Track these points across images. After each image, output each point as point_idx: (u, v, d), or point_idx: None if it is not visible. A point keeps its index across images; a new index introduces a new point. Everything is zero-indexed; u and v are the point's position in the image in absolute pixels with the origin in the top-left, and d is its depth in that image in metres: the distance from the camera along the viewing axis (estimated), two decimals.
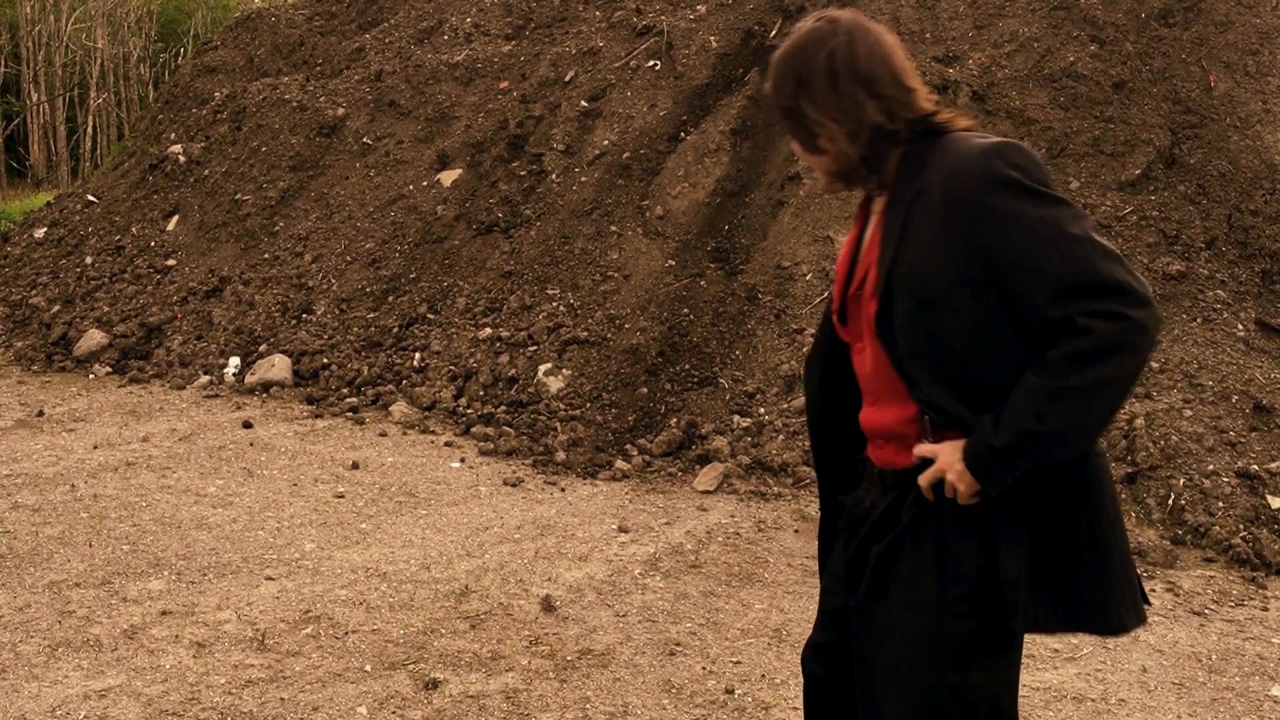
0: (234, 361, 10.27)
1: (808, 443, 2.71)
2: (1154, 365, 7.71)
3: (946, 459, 2.37)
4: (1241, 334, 7.99)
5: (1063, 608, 2.35)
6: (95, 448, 8.19)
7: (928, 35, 10.44)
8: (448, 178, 11.43)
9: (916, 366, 2.41)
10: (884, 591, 2.51)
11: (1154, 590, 5.84)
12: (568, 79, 11.78)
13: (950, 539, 2.42)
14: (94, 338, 10.96)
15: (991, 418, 2.31)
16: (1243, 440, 7.02)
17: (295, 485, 7.39)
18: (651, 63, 11.49)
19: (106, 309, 11.50)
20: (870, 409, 2.62)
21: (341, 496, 7.16)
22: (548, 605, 5.45)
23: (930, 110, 2.47)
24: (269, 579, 5.77)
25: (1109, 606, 2.37)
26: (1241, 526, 6.40)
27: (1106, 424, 2.30)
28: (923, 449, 2.44)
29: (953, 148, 2.39)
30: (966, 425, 2.37)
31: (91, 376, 10.54)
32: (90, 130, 33.38)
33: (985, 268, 2.32)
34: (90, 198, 13.87)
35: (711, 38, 11.52)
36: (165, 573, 5.83)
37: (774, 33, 11.43)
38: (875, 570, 2.52)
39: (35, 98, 32.05)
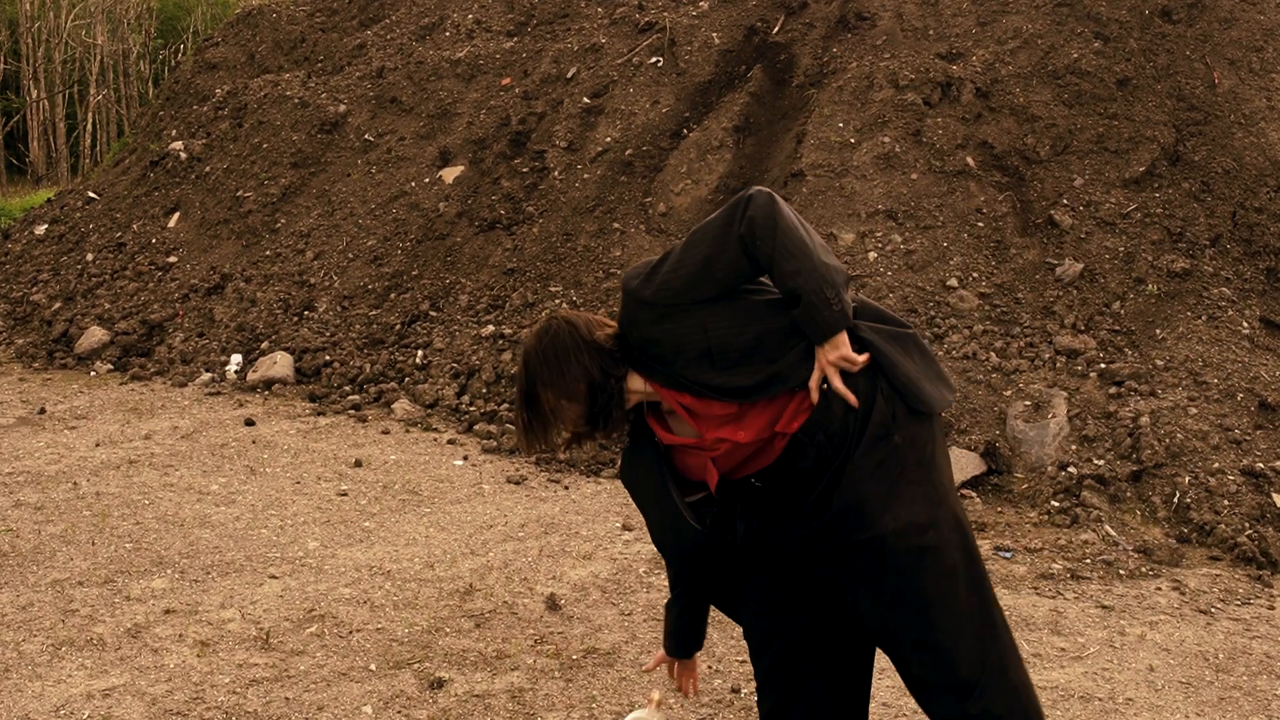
0: (236, 359, 10.26)
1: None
2: (1159, 363, 7.70)
3: (816, 361, 2.78)
4: (1246, 331, 7.97)
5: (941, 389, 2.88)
6: (97, 445, 8.17)
7: (931, 32, 10.42)
8: (450, 174, 11.41)
9: (739, 375, 2.80)
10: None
11: (1160, 589, 5.83)
12: (570, 75, 11.76)
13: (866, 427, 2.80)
14: (95, 335, 10.95)
15: (787, 313, 2.79)
16: (1248, 438, 7.01)
17: (298, 483, 7.37)
18: (654, 59, 11.47)
19: (108, 306, 11.49)
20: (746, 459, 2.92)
21: (344, 494, 7.15)
22: (552, 604, 5.43)
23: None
24: (273, 577, 5.76)
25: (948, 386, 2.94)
26: (1247, 525, 6.38)
27: (805, 240, 2.75)
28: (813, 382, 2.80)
29: None
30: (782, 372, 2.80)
31: (93, 374, 10.53)
32: (90, 127, 33.35)
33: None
34: (91, 194, 13.85)
35: (714, 34, 11.50)
36: (169, 571, 5.81)
37: (776, 29, 11.40)
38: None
39: (35, 94, 32.02)
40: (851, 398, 2.75)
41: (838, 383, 2.75)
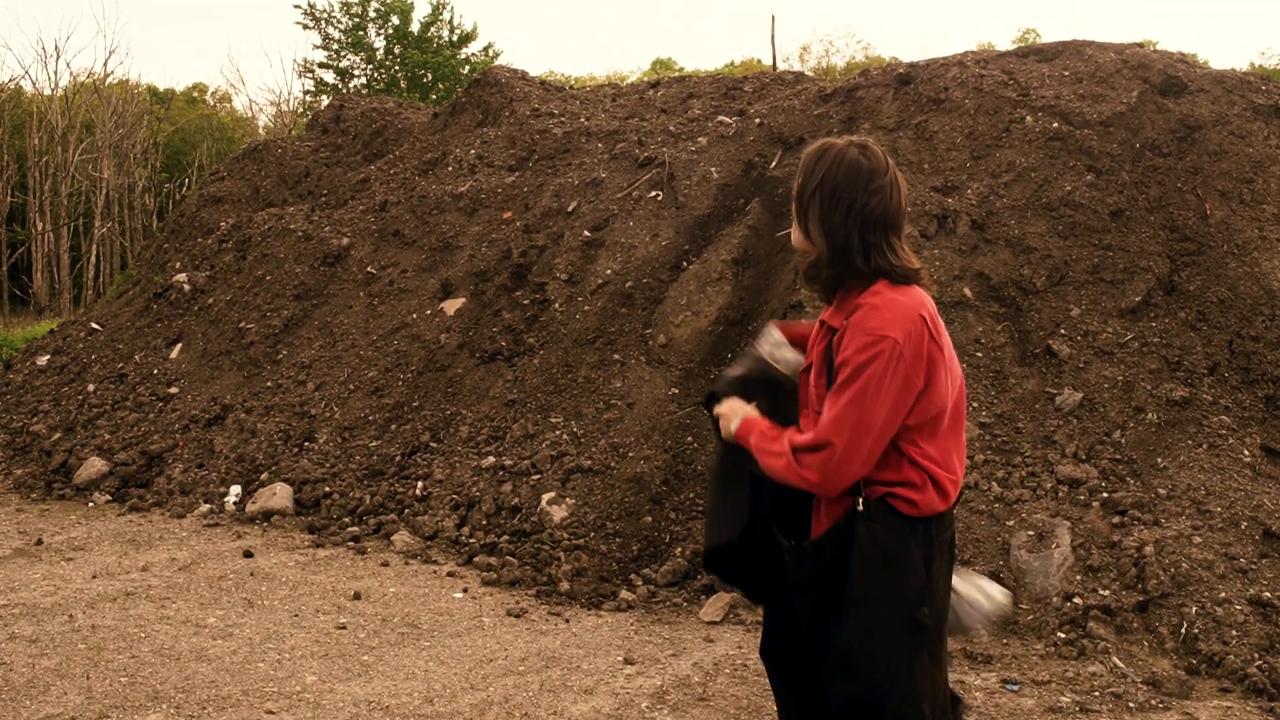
0: (235, 490, 10.22)
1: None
2: (1161, 491, 7.69)
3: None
4: (1248, 459, 7.97)
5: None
6: (94, 577, 8.10)
7: (926, 166, 10.59)
8: (451, 306, 11.50)
9: None
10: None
11: None
12: (570, 209, 11.92)
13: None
14: (94, 465, 10.92)
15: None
16: (1254, 567, 6.97)
17: (296, 616, 7.30)
18: (653, 193, 11.64)
19: (108, 436, 11.48)
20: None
21: (343, 628, 7.07)
22: None
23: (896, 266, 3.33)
24: (269, 713, 5.67)
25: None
26: (1257, 655, 6.31)
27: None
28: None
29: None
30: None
31: (91, 504, 10.48)
32: (94, 259, 33.70)
33: None
34: (94, 325, 13.94)
35: (713, 169, 11.69)
36: (164, 706, 5.72)
37: (774, 163, 11.60)
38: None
39: (40, 226, 32.40)
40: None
41: None
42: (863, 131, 11.24)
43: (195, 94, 46.99)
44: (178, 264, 14.37)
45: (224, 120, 43.12)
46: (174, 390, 12.08)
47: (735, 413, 3.54)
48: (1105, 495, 7.70)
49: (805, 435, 3.29)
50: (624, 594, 7.77)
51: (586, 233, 11.48)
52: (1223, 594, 6.71)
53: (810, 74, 20.76)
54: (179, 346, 12.75)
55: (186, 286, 13.47)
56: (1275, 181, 9.77)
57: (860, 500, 3.27)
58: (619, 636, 7.01)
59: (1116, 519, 7.47)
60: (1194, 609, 6.65)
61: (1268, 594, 6.70)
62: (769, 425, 3.43)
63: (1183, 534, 7.20)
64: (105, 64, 66.11)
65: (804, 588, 3.36)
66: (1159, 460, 8.03)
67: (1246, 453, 8.03)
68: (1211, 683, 6.25)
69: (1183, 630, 6.57)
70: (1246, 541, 7.19)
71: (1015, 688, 6.15)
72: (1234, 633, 6.46)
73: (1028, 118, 10.56)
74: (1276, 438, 8.23)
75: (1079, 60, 11.34)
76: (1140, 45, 11.83)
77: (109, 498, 10.61)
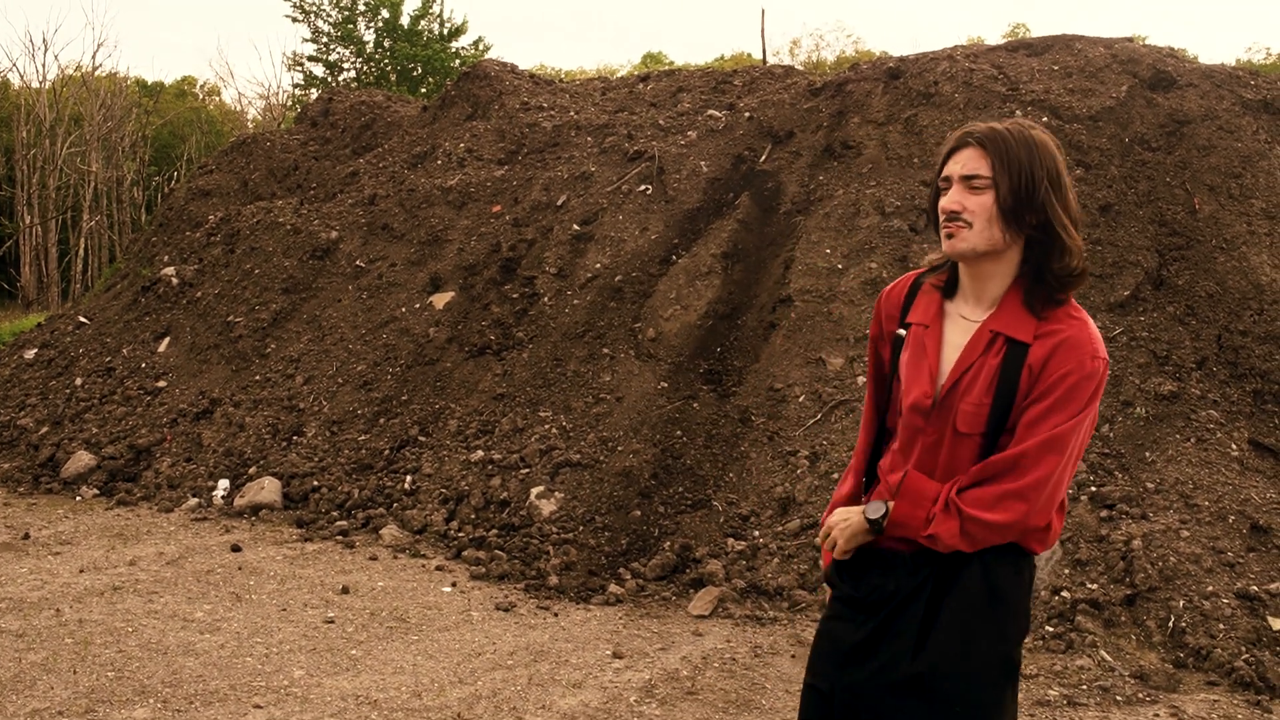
0: (223, 484, 10.20)
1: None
2: (1149, 486, 7.70)
3: None
4: (1236, 454, 7.98)
5: None
6: (81, 571, 8.08)
7: (916, 160, 10.60)
8: (440, 300, 11.48)
9: None
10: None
11: (1158, 715, 5.75)
12: (560, 203, 11.91)
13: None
14: (82, 459, 10.89)
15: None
16: (1241, 561, 6.98)
17: (284, 610, 7.28)
18: (643, 187, 11.63)
19: (95, 430, 11.44)
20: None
21: (331, 622, 7.06)
22: None
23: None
24: (257, 707, 5.66)
25: None
26: (1244, 649, 6.33)
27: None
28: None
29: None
30: None
31: (79, 498, 10.45)
32: (82, 252, 33.57)
33: None
34: (82, 319, 13.90)
35: (702, 163, 11.68)
36: (151, 700, 5.71)
37: (763, 157, 11.59)
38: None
39: (28, 220, 32.29)
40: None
41: None
42: (852, 125, 11.25)
43: (184, 87, 46.82)
44: (166, 257, 14.33)
45: (213, 113, 42.98)
46: (162, 384, 12.04)
47: (846, 515, 3.05)
48: (1094, 489, 7.71)
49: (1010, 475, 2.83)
50: (613, 588, 7.77)
51: (576, 226, 11.46)
52: (1210, 588, 6.72)
53: (800, 68, 20.76)
54: (167, 340, 12.71)
55: (175, 280, 13.43)
56: (1264, 176, 9.79)
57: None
58: (607, 630, 7.00)
59: (1105, 513, 7.48)
60: (1181, 603, 6.66)
61: (1255, 588, 6.72)
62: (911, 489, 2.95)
63: (1170, 528, 7.22)
64: (93, 57, 65.92)
65: (891, 605, 2.95)
66: (1147, 454, 8.04)
67: (1234, 447, 8.04)
68: (1199, 676, 6.27)
69: (1170, 624, 6.58)
70: (1234, 535, 7.21)
71: None
72: (1221, 626, 6.48)
73: (1017, 112, 10.56)
74: (1264, 432, 8.25)
75: (1068, 55, 11.35)
76: (1130, 40, 11.84)
77: (96, 492, 10.57)
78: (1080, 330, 2.85)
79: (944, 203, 2.91)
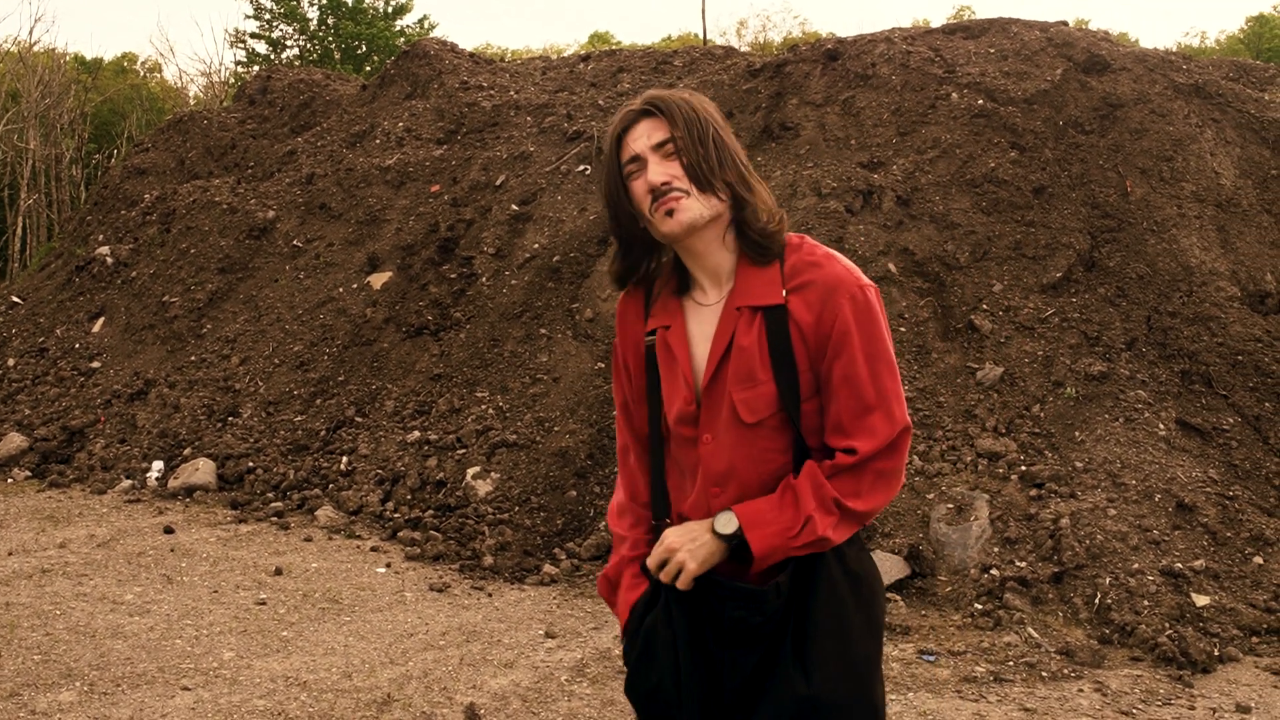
0: (157, 465, 10.11)
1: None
2: (1078, 465, 7.80)
3: None
4: (1163, 433, 8.10)
5: None
6: (9, 554, 7.99)
7: (853, 141, 10.64)
8: (378, 280, 11.42)
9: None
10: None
11: (1082, 690, 5.84)
12: (498, 183, 11.86)
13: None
14: (13, 441, 10.75)
15: None
16: (1166, 539, 7.09)
17: (216, 592, 7.24)
18: (582, 167, 11.61)
19: (28, 412, 11.31)
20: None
21: (263, 603, 7.02)
22: (472, 714, 5.34)
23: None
24: (185, 689, 5.63)
25: None
26: (1167, 625, 6.43)
27: None
28: None
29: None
30: None
31: (10, 480, 10.32)
32: (20, 231, 33.07)
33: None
34: (15, 299, 13.70)
35: None
36: (77, 684, 5.66)
37: None
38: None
39: None
40: None
41: None
42: (790, 107, 11.27)
43: (124, 64, 46.12)
44: (101, 236, 14.16)
45: (154, 90, 42.39)
46: (96, 365, 11.91)
47: (690, 533, 2.65)
48: (1024, 468, 7.80)
49: (860, 439, 2.58)
50: (547, 568, 7.78)
51: (514, 206, 11.43)
52: (1135, 565, 6.82)
53: (746, 49, 20.75)
54: (101, 320, 12.57)
55: (109, 259, 13.27)
56: (1194, 160, 9.91)
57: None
58: (541, 610, 7.02)
59: (1034, 492, 7.57)
60: (1107, 580, 6.76)
61: (1179, 565, 6.83)
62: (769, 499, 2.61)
63: (1098, 506, 7.32)
64: (31, 32, 64.76)
65: (760, 635, 2.61)
66: (1076, 434, 8.14)
67: (1161, 426, 8.16)
68: (1123, 652, 6.37)
69: (1096, 601, 6.68)
70: (1160, 514, 7.32)
71: (932, 658, 6.23)
72: (1146, 603, 6.58)
73: (953, 94, 10.62)
74: (1191, 412, 8.37)
75: (1004, 38, 11.43)
76: (1065, 23, 11.93)
77: (28, 474, 10.45)
78: (829, 270, 2.60)
79: (649, 179, 2.61)
